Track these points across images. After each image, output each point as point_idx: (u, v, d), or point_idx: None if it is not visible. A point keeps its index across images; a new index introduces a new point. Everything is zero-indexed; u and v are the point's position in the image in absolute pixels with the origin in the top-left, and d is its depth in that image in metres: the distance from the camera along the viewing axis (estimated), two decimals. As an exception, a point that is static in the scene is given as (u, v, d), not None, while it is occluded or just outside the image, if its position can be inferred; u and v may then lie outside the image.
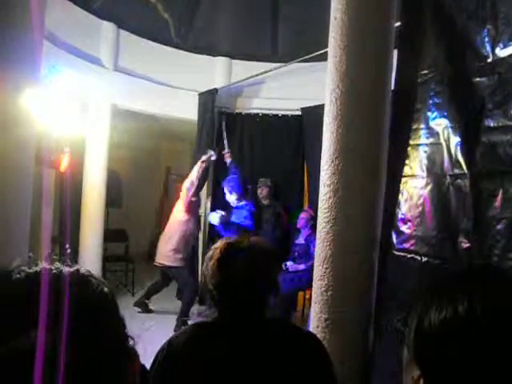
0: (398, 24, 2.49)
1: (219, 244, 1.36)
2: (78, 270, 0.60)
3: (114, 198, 6.33)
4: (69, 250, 4.29)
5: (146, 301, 5.54)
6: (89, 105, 5.49)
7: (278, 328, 1.38)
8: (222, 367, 1.24)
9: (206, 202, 6.28)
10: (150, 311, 5.52)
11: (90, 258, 5.48)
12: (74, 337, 0.51)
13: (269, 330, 1.34)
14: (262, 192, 5.67)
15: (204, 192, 6.20)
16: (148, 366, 1.31)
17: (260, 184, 5.71)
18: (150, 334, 4.59)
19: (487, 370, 0.56)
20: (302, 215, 5.17)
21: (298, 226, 5.22)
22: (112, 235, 6.59)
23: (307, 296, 5.12)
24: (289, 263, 5.19)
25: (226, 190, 5.56)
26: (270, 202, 5.70)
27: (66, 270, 0.59)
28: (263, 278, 1.32)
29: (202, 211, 6.07)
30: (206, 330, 1.36)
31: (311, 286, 2.54)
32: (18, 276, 0.57)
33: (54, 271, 0.58)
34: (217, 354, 1.26)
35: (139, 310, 5.45)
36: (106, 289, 0.61)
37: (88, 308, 0.55)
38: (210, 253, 1.36)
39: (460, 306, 0.59)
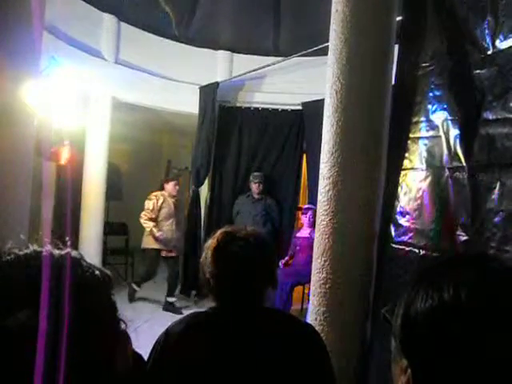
0: (399, 18, 2.48)
1: (217, 233, 1.37)
2: (68, 253, 0.61)
3: (114, 191, 6.32)
4: (69, 243, 4.27)
5: (137, 288, 5.63)
6: (89, 97, 5.48)
7: (275, 318, 1.38)
8: (218, 356, 1.24)
9: (206, 196, 6.30)
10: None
11: (90, 251, 5.48)
12: (63, 317, 0.52)
13: (265, 319, 1.35)
14: (259, 187, 5.70)
15: (206, 185, 6.22)
16: (146, 356, 1.32)
17: (256, 179, 5.74)
18: (150, 325, 4.61)
19: (473, 357, 0.55)
20: (310, 213, 5.13)
21: (307, 223, 5.21)
22: (112, 228, 6.60)
23: (306, 290, 5.13)
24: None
25: None
26: (261, 196, 5.73)
27: (57, 252, 0.60)
28: (258, 267, 1.32)
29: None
30: (202, 320, 1.36)
31: (310, 281, 2.54)
32: (8, 258, 0.57)
33: (44, 253, 0.59)
34: (213, 343, 1.26)
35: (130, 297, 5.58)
36: (97, 271, 0.62)
37: (78, 289, 0.56)
38: (209, 242, 1.37)
39: (446, 294, 0.59)
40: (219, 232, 1.37)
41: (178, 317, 1.37)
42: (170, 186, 5.60)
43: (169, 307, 5.46)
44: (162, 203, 5.50)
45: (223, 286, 1.32)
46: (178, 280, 5.69)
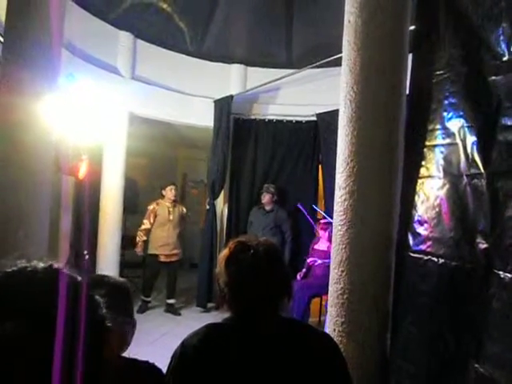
0: (412, 27, 2.49)
1: (230, 243, 1.38)
2: (51, 265, 0.66)
3: (131, 204, 6.39)
4: (87, 257, 4.34)
5: (146, 298, 5.79)
6: (106, 112, 5.57)
7: (290, 328, 1.37)
8: (233, 368, 1.24)
9: (222, 208, 6.32)
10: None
11: (108, 265, 5.54)
12: (49, 326, 0.56)
13: (281, 329, 1.34)
14: (266, 198, 5.71)
15: (221, 197, 6.25)
16: (164, 369, 1.33)
17: (264, 190, 5.76)
18: (167, 338, 4.62)
19: None
20: (330, 229, 5.01)
21: (326, 237, 5.14)
22: (129, 242, 6.63)
23: (323, 302, 5.09)
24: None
25: None
26: (271, 208, 5.72)
27: (41, 265, 0.65)
28: (269, 276, 1.31)
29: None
30: (217, 331, 1.36)
31: (327, 292, 2.52)
32: (9, 270, 0.63)
33: (29, 269, 0.64)
34: (228, 354, 1.26)
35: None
36: (79, 278, 0.67)
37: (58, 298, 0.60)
38: (222, 252, 1.38)
39: None
40: (232, 242, 1.38)
41: (192, 329, 1.37)
42: (167, 192, 5.85)
43: (169, 309, 5.76)
44: (157, 211, 5.79)
45: (236, 296, 1.31)
46: (176, 283, 5.91)
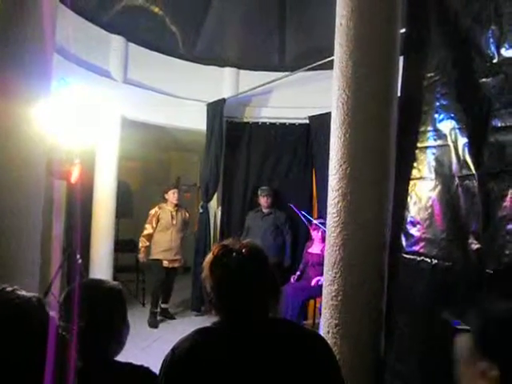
0: (403, 30, 2.51)
1: (214, 247, 1.38)
2: (4, 288, 0.72)
3: (124, 208, 6.35)
4: (80, 261, 4.32)
5: (155, 309, 5.61)
6: (99, 116, 5.54)
7: (281, 328, 1.37)
8: (224, 371, 1.23)
9: (216, 211, 6.31)
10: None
11: (101, 269, 5.51)
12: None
13: (272, 330, 1.33)
14: (268, 200, 5.67)
15: (214, 200, 6.24)
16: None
17: (263, 192, 5.71)
18: (158, 343, 4.60)
19: None
20: (322, 232, 5.00)
21: (319, 239, 5.14)
22: (122, 246, 6.60)
23: (317, 304, 5.09)
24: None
25: None
26: (269, 211, 5.71)
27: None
28: (253, 278, 1.31)
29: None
30: (207, 336, 1.35)
31: (321, 295, 2.53)
32: None
33: None
34: (218, 358, 1.26)
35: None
36: (34, 299, 0.72)
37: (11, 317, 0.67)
38: (207, 256, 1.38)
39: None
40: (215, 246, 1.38)
41: (186, 333, 1.37)
42: (169, 196, 5.71)
43: (163, 313, 5.67)
44: (159, 215, 5.64)
45: (223, 299, 1.32)
46: (172, 287, 5.82)
